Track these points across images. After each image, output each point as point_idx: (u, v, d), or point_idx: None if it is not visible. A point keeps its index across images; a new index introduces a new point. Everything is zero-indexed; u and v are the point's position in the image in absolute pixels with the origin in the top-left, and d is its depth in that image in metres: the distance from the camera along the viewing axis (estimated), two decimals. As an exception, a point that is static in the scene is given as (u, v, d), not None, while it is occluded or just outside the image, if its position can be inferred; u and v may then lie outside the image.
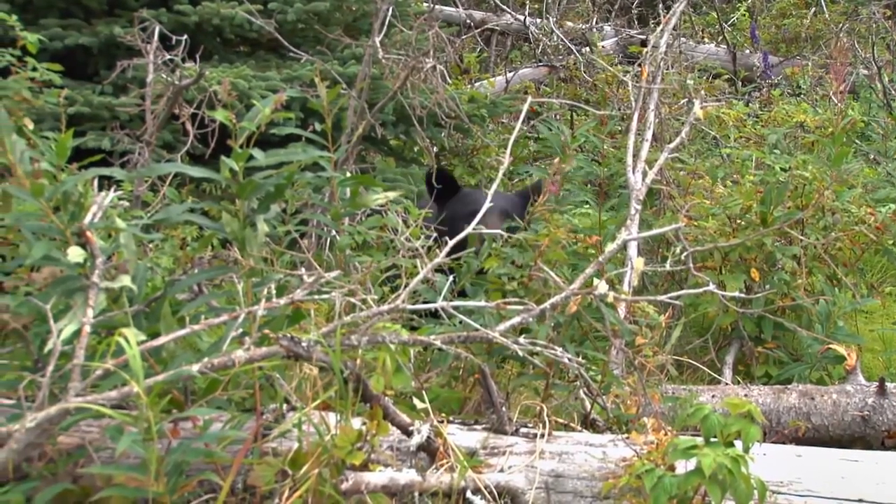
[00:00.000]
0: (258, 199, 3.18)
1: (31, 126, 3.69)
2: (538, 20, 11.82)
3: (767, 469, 3.17)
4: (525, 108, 4.89)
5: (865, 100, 10.11)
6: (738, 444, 2.89)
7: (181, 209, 3.33)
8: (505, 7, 12.20)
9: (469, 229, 3.82)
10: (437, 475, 3.07)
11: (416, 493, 3.03)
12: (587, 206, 7.39)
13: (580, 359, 3.54)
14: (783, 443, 3.94)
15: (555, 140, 6.44)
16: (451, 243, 3.66)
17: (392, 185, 6.16)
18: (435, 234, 4.26)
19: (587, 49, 11.02)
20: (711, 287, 3.86)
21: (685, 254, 4.18)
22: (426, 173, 5.69)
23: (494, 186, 4.14)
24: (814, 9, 13.01)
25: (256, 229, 3.17)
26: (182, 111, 4.56)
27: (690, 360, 4.82)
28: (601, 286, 3.42)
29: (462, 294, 4.35)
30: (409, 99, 5.79)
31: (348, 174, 4.66)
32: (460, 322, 3.40)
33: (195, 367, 2.78)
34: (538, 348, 3.26)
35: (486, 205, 3.97)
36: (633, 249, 5.05)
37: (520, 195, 5.52)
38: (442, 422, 3.31)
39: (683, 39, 11.11)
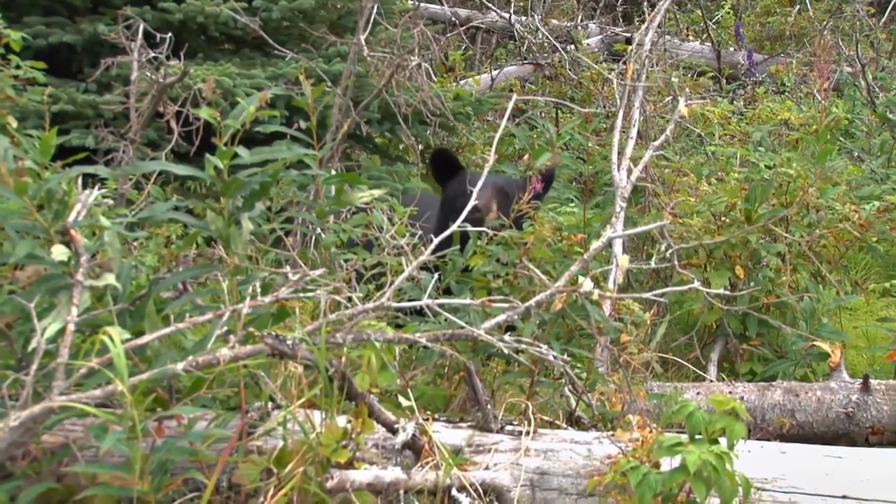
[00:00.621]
0: (243, 196, 3.18)
1: (14, 124, 3.69)
2: (523, 18, 11.83)
3: (752, 466, 3.18)
4: (510, 105, 4.89)
5: (849, 97, 10.14)
6: (723, 440, 2.89)
7: (166, 207, 3.33)
8: (490, 5, 12.20)
9: (461, 219, 3.83)
10: (423, 473, 3.08)
11: (402, 491, 3.03)
12: (572, 203, 7.40)
13: (565, 356, 3.55)
14: (768, 440, 3.95)
15: (526, 140, 6.45)
16: (435, 241, 3.66)
17: (377, 182, 6.16)
18: (420, 232, 4.26)
19: (572, 47, 11.02)
20: (696, 284, 3.87)
21: (670, 251, 4.18)
22: (430, 155, 5.69)
23: (479, 184, 4.13)
24: (798, 6, 13.04)
25: (241, 227, 3.17)
26: (166, 109, 4.54)
27: (675, 358, 4.83)
28: (586, 284, 3.42)
29: (447, 292, 4.35)
30: (394, 97, 5.78)
31: (333, 172, 4.65)
32: (445, 320, 3.40)
33: (180, 366, 2.77)
34: (523, 346, 3.26)
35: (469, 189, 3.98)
36: (618, 247, 5.05)
37: (526, 179, 5.51)
38: (427, 419, 3.31)
39: (668, 37, 11.12)
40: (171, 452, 2.89)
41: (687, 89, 8.37)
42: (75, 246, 2.97)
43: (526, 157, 5.14)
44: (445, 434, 3.34)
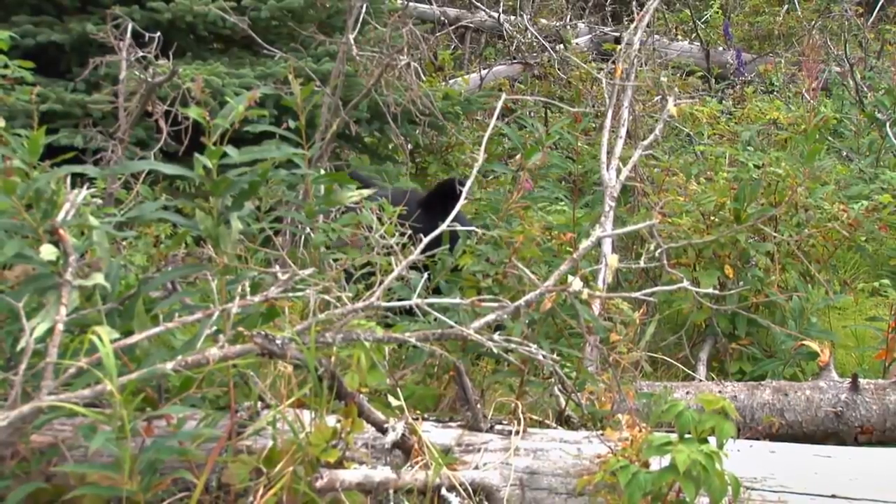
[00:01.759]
0: (232, 196, 3.17)
1: (2, 123, 3.67)
2: (512, 17, 11.83)
3: (741, 465, 3.19)
4: (499, 105, 4.89)
5: (838, 97, 10.16)
6: (713, 440, 2.89)
7: (155, 207, 3.32)
8: (479, 4, 12.20)
9: (441, 228, 3.83)
10: (412, 472, 3.07)
11: (391, 491, 3.02)
12: (562, 202, 7.40)
13: (555, 356, 3.54)
14: (757, 439, 3.95)
15: (518, 139, 6.46)
16: (425, 241, 3.66)
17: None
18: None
19: (561, 46, 11.03)
20: (685, 284, 3.87)
21: (659, 251, 4.18)
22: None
23: (469, 184, 4.13)
24: (786, 6, 13.08)
25: (230, 227, 3.16)
26: (155, 108, 4.54)
27: (665, 357, 4.83)
28: (576, 283, 3.42)
29: (437, 291, 4.35)
30: (383, 96, 5.78)
31: (322, 171, 4.64)
32: (435, 319, 3.39)
33: (169, 365, 2.77)
34: (513, 345, 3.26)
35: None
36: (607, 246, 5.06)
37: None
38: (417, 419, 3.30)
39: (657, 37, 11.14)
40: (160, 452, 2.88)
41: (676, 89, 8.38)
42: (64, 245, 2.96)
43: (518, 156, 5.15)
44: (435, 434, 3.34)
